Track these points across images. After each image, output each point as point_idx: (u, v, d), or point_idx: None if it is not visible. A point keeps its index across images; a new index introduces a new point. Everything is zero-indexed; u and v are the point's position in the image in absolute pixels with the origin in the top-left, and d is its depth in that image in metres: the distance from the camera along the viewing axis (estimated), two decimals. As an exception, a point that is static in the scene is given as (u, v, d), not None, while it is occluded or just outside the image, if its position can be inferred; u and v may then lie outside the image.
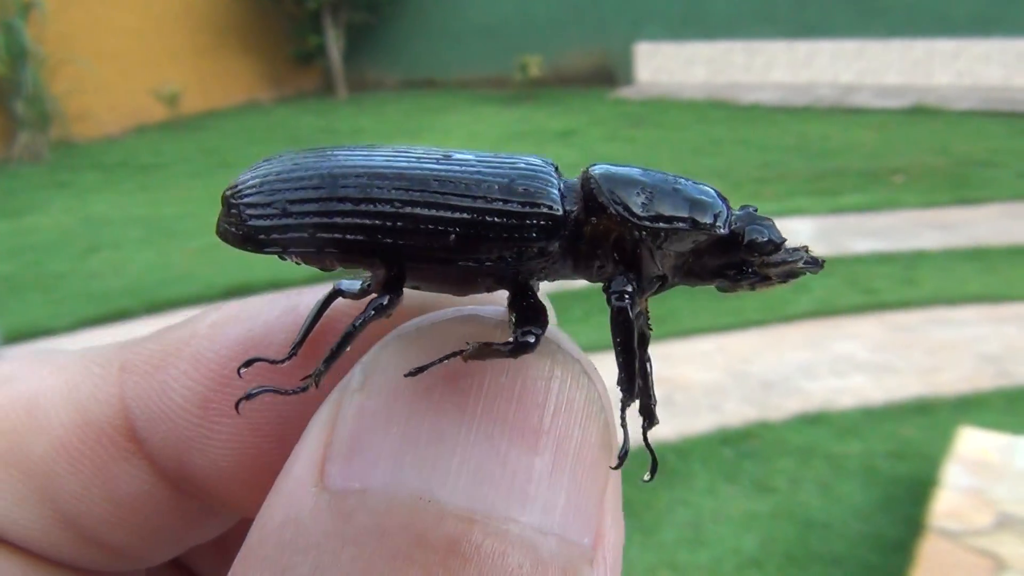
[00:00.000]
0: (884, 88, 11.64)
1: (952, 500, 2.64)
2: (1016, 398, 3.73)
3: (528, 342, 0.38)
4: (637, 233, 0.45)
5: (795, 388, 3.94)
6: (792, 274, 0.48)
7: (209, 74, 13.51)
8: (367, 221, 0.44)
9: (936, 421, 3.52)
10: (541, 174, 0.45)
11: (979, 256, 5.43)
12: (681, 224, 0.45)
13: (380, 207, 0.43)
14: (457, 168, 0.44)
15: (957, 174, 7.38)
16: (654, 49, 13.30)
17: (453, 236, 0.43)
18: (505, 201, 0.43)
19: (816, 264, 0.48)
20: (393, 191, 0.44)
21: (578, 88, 13.06)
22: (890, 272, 5.24)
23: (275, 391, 0.43)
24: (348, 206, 0.44)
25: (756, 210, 0.49)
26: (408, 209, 0.43)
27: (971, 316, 4.60)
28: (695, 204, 0.46)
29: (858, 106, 10.79)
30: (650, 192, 0.46)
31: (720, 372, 4.18)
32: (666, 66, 13.27)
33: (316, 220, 0.44)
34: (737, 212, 0.48)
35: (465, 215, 0.43)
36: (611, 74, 13.51)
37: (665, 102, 11.77)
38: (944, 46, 11.59)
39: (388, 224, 0.43)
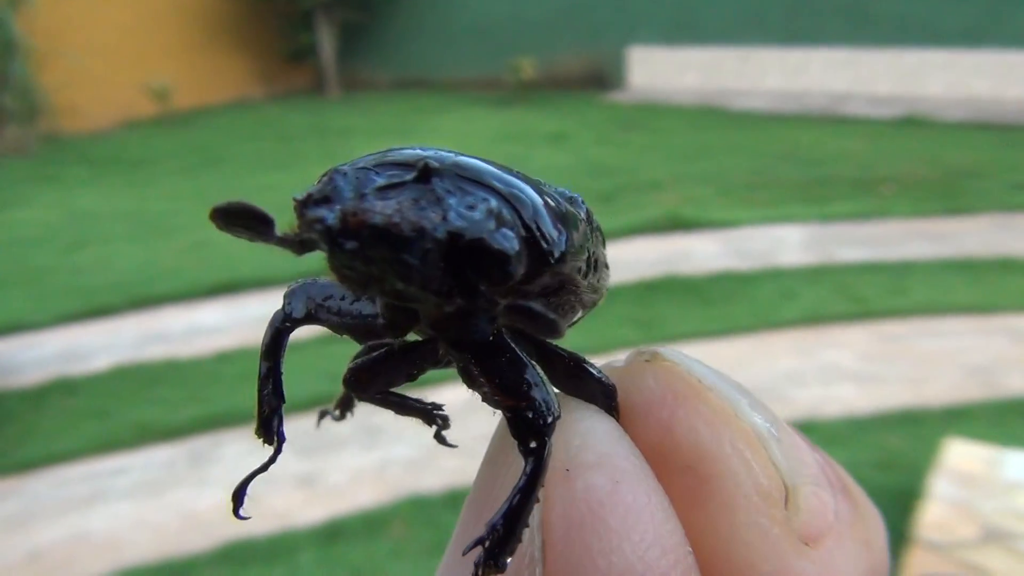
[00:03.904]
0: (875, 97, 11.68)
1: (938, 512, 2.63)
2: (1003, 410, 3.72)
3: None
4: None
5: (782, 396, 3.92)
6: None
7: (200, 70, 13.44)
8: None
9: (923, 432, 3.50)
10: None
11: (968, 267, 5.44)
12: None
13: None
14: None
15: (947, 185, 7.39)
16: (647, 54, 13.31)
17: None
18: None
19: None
20: None
21: (570, 91, 13.05)
22: (879, 281, 5.23)
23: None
24: None
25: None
26: None
27: (959, 327, 4.60)
28: None
29: (849, 115, 10.82)
30: None
31: (707, 379, 4.15)
32: (659, 71, 13.28)
33: None
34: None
35: None
36: (604, 78, 13.52)
37: (657, 107, 11.77)
38: (935, 57, 11.64)
39: None
